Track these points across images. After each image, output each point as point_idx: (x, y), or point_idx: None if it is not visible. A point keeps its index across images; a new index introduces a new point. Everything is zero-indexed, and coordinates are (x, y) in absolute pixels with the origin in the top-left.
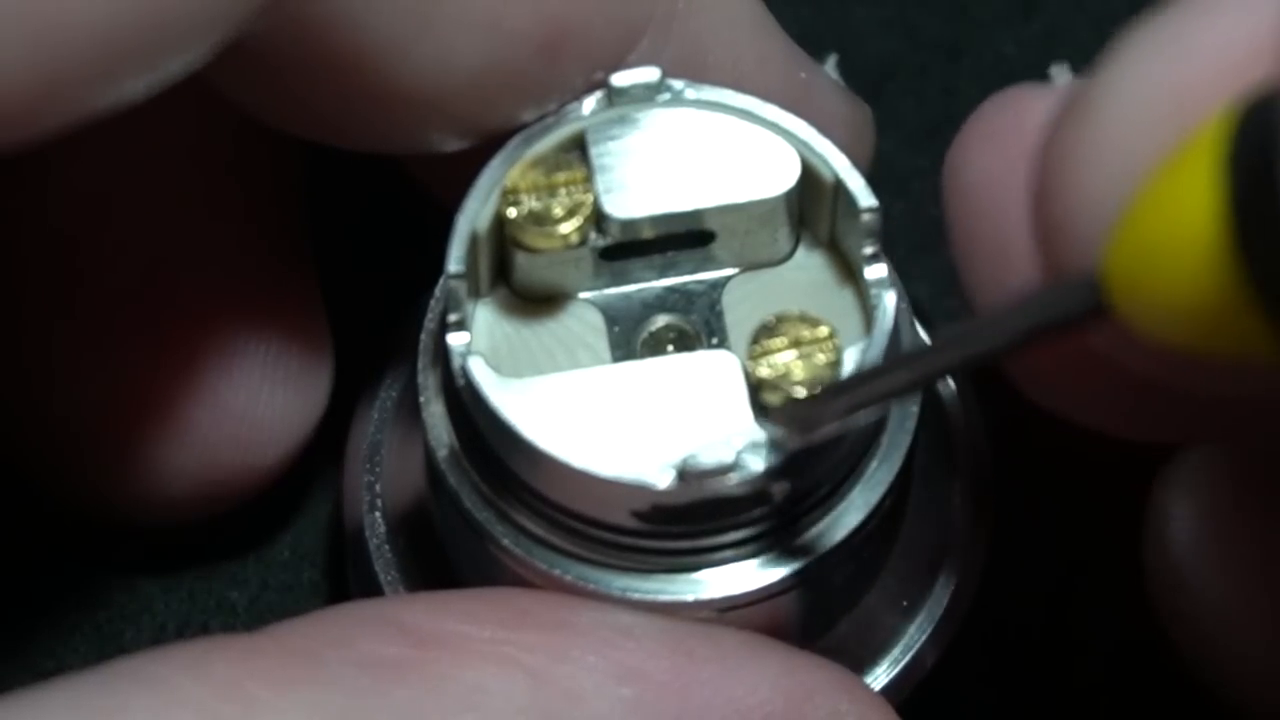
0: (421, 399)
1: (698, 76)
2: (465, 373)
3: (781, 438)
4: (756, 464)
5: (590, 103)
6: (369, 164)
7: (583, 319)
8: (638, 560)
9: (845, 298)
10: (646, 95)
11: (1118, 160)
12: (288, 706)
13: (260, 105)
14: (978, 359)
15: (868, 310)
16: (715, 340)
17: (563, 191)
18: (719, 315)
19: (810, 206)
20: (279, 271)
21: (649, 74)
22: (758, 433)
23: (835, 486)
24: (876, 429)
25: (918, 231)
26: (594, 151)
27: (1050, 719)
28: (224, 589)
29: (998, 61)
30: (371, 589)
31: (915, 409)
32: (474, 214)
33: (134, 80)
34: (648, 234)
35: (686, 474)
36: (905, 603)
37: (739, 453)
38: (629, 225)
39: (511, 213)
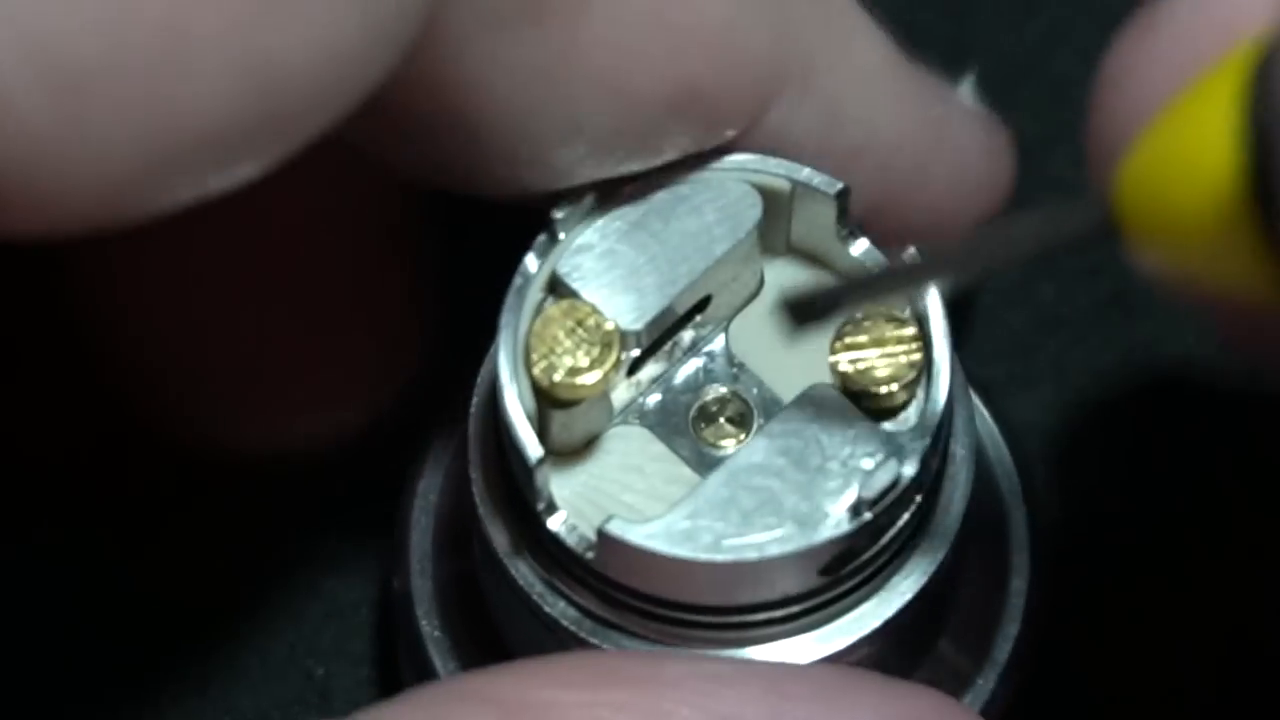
0: (473, 476)
1: (834, 130)
2: (574, 540)
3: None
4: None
5: (538, 245)
6: None
7: (631, 442)
8: (679, 634)
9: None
10: (587, 210)
11: (1145, 84)
12: None
13: (382, 156)
14: (994, 265)
15: None
16: (756, 390)
17: (579, 334)
18: (743, 367)
19: (768, 223)
20: (388, 253)
21: (585, 201)
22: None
23: (888, 560)
24: (926, 511)
25: None
26: (577, 285)
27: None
28: (228, 589)
29: (999, 59)
30: (419, 658)
31: (966, 475)
32: (516, 400)
33: (255, 159)
34: (664, 327)
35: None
36: (960, 672)
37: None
38: (651, 326)
39: (556, 376)
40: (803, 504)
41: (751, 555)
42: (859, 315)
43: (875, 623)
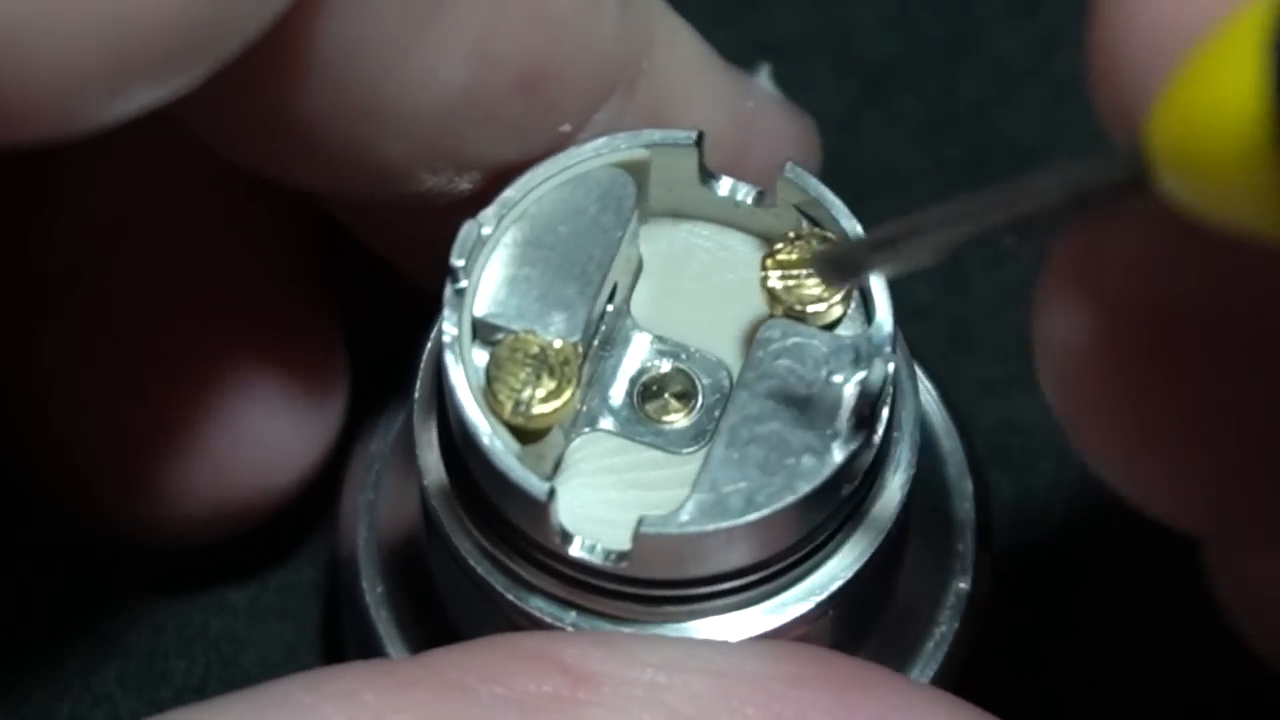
0: (418, 446)
1: (658, 125)
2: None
3: (827, 279)
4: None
5: (450, 299)
6: None
7: (594, 447)
8: (631, 610)
9: (702, 234)
10: (480, 248)
11: (1164, 29)
12: None
13: (237, 134)
14: (1020, 219)
15: (729, 220)
16: (684, 355)
17: (532, 364)
18: (663, 339)
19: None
20: (296, 292)
21: (474, 239)
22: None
23: (831, 534)
24: (871, 479)
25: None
26: (503, 321)
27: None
28: (224, 589)
29: (998, 60)
30: (361, 623)
31: (907, 462)
32: (504, 451)
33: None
34: (595, 329)
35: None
36: (904, 652)
37: None
38: (586, 332)
39: (533, 410)
40: (808, 434)
41: (788, 499)
42: (790, 235)
43: (829, 590)
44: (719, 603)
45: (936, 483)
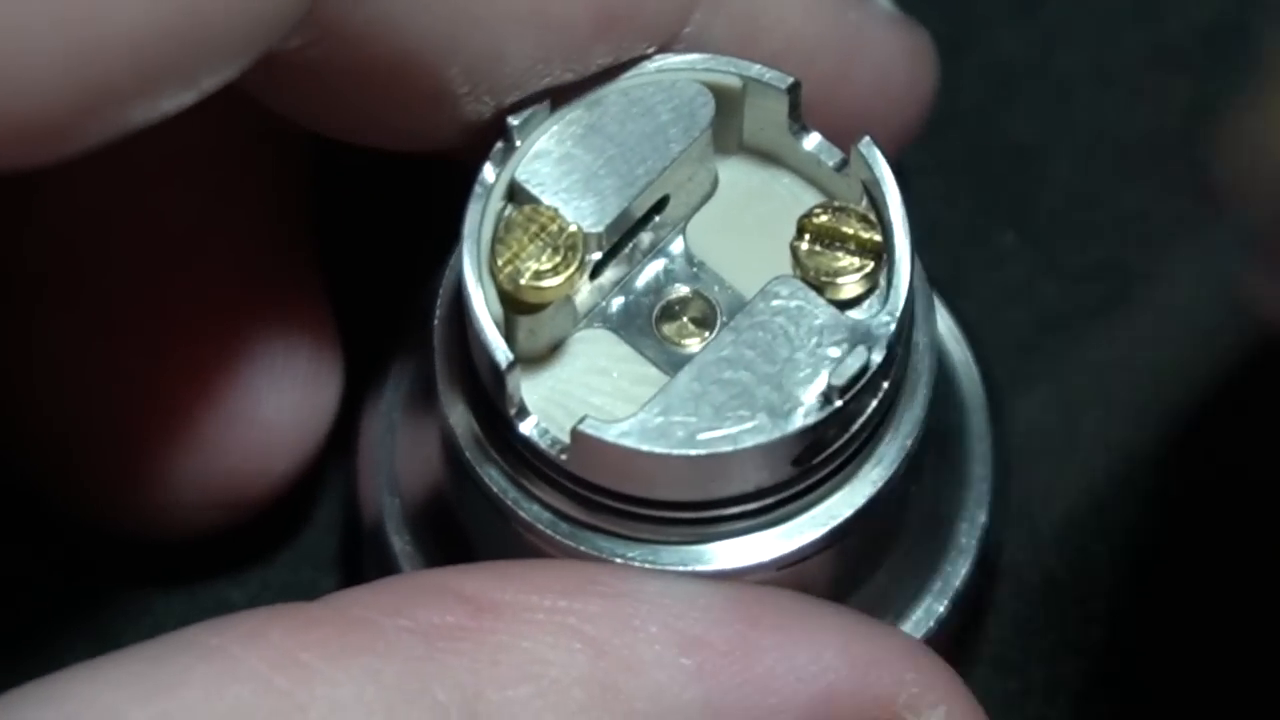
0: (440, 387)
1: (752, 37)
2: (546, 443)
3: None
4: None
5: (496, 154)
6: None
7: (597, 345)
8: (651, 531)
9: (783, 181)
10: (543, 116)
11: None
12: (343, 678)
13: (306, 113)
14: None
15: (811, 177)
16: (717, 288)
17: (542, 238)
18: (703, 266)
19: (721, 122)
20: (286, 275)
21: (539, 106)
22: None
23: (854, 453)
24: (891, 401)
25: (919, 229)
26: (536, 190)
27: (1061, 687)
28: (224, 589)
29: (999, 59)
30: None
31: (927, 380)
32: (484, 305)
33: (171, 96)
34: (624, 229)
35: None
36: (919, 579)
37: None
38: (611, 228)
39: (522, 280)
40: (774, 395)
41: (726, 448)
42: (833, 202)
43: (840, 518)
44: (739, 524)
45: (952, 501)
